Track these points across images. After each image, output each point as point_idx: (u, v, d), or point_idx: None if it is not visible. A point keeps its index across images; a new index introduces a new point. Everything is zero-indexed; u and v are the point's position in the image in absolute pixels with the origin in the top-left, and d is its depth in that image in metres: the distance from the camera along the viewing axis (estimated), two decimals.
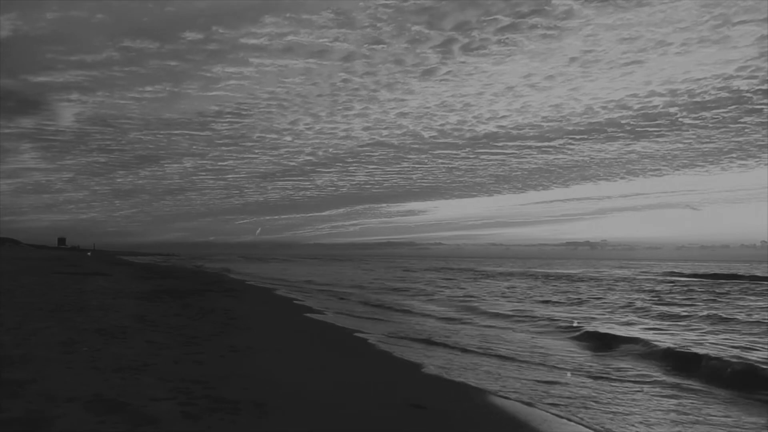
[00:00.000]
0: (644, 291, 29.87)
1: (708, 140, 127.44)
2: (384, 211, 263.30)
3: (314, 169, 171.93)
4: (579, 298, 24.93)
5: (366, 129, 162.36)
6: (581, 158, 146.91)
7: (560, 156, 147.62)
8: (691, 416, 7.03)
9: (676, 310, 19.66)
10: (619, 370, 9.82)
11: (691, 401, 7.79)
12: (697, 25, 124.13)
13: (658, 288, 32.13)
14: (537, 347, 12.03)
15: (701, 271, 59.82)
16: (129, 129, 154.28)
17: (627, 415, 6.95)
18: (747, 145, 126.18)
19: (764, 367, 9.25)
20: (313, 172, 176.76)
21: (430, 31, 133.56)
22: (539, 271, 59.41)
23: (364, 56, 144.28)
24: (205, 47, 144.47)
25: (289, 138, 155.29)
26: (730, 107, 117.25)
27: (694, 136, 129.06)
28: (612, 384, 8.71)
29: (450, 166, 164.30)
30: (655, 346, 11.52)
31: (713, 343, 12.08)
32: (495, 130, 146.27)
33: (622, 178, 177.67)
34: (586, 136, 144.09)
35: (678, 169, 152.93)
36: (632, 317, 17.85)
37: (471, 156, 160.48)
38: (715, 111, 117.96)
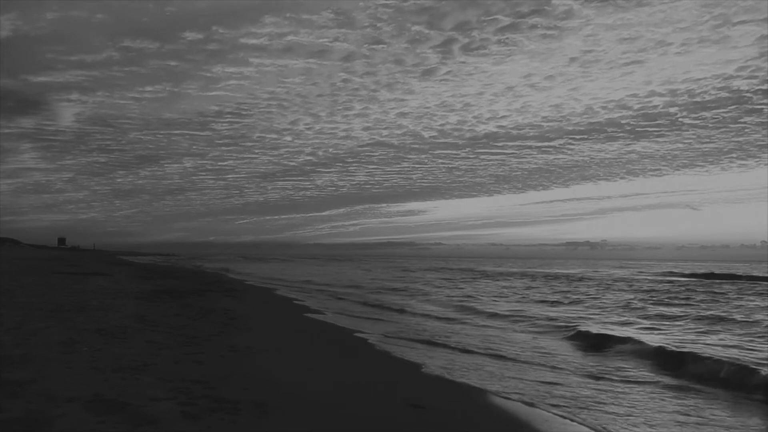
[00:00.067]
0: (640, 291, 29.88)
1: (708, 140, 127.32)
2: (384, 211, 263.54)
3: (314, 169, 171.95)
4: (575, 298, 24.93)
5: (366, 129, 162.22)
6: (581, 158, 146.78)
7: (560, 156, 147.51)
8: (692, 417, 7.04)
9: (672, 310, 19.63)
10: (615, 370, 9.82)
11: (690, 401, 7.80)
12: (697, 25, 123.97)
13: (654, 288, 32.15)
14: (534, 347, 12.03)
15: (699, 271, 59.81)
16: (129, 129, 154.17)
17: (627, 416, 6.96)
18: (747, 145, 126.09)
19: (755, 367, 9.21)
20: (313, 172, 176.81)
21: (430, 31, 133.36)
22: (538, 271, 59.44)
23: (364, 56, 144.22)
24: (205, 47, 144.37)
25: (289, 138, 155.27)
26: (730, 107, 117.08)
27: (694, 136, 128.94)
28: (610, 384, 8.71)
29: (450, 166, 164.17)
30: (650, 346, 11.48)
31: (710, 344, 12.08)
32: (495, 130, 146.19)
33: (622, 178, 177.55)
34: (586, 136, 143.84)
35: (678, 169, 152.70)
36: (627, 317, 17.84)
37: (471, 156, 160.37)
38: (715, 111, 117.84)
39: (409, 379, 8.33)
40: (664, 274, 57.06)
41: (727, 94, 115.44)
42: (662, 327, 15.38)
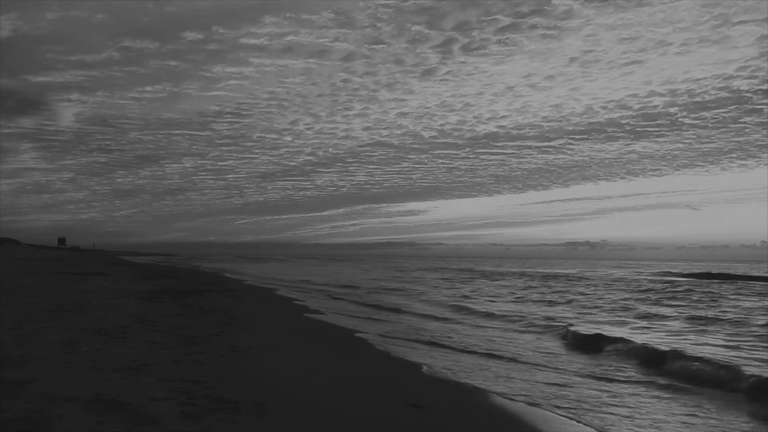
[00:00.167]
0: (636, 291, 29.95)
1: (708, 140, 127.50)
2: (384, 211, 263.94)
3: (314, 169, 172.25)
4: (571, 298, 25.01)
5: (366, 129, 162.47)
6: (581, 158, 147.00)
7: (560, 156, 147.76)
8: (698, 417, 7.05)
9: (666, 310, 19.68)
10: (607, 369, 9.86)
11: (687, 401, 7.81)
12: (697, 25, 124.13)
13: (651, 288, 32.20)
14: (530, 347, 12.07)
15: (697, 271, 59.83)
16: (129, 129, 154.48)
17: (627, 417, 6.97)
18: (747, 145, 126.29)
19: (747, 368, 9.21)
20: (313, 172, 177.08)
21: (430, 31, 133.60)
22: (537, 272, 59.45)
23: (364, 56, 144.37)
24: (205, 47, 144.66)
25: (289, 138, 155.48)
26: (730, 107, 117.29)
27: (694, 136, 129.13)
28: (604, 383, 8.73)
29: (450, 166, 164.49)
30: (642, 346, 11.47)
31: (702, 344, 12.11)
32: (495, 130, 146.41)
33: (622, 178, 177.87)
34: (586, 136, 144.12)
35: (678, 169, 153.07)
36: (621, 317, 17.90)
37: (471, 156, 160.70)
38: (715, 111, 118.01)
39: (409, 379, 8.33)
40: (661, 274, 57.09)
41: (727, 94, 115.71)
42: (655, 327, 15.44)
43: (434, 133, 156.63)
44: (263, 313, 15.76)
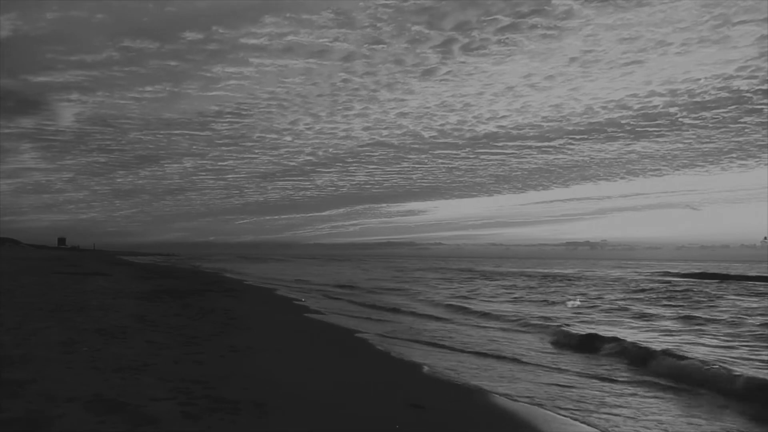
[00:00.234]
0: (634, 291, 29.96)
1: (708, 140, 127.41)
2: (384, 211, 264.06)
3: (314, 169, 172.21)
4: (569, 298, 25.03)
5: (366, 129, 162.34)
6: (581, 158, 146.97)
7: (560, 156, 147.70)
8: (699, 418, 7.05)
9: (666, 311, 19.66)
10: (602, 369, 9.84)
11: (690, 402, 7.81)
12: (697, 25, 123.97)
13: (648, 288, 32.22)
14: (527, 347, 12.06)
15: (697, 271, 59.85)
16: (129, 129, 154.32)
17: (628, 417, 6.97)
18: (747, 145, 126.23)
19: (740, 369, 9.20)
20: (313, 172, 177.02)
21: (430, 31, 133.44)
22: (536, 272, 59.48)
23: (364, 56, 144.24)
24: (205, 47, 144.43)
25: (289, 138, 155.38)
26: (730, 107, 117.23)
27: (694, 136, 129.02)
28: (600, 383, 8.73)
29: (450, 166, 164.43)
30: (637, 346, 11.41)
31: (697, 344, 12.11)
32: (495, 130, 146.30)
33: (622, 178, 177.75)
34: (586, 136, 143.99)
35: (678, 169, 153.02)
36: (617, 316, 17.89)
37: (471, 156, 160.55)
38: (715, 111, 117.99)
39: (409, 379, 8.33)
40: (660, 274, 57.10)
41: (727, 94, 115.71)
42: (650, 327, 15.45)
43: (434, 133, 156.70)
44: (263, 313, 15.76)
